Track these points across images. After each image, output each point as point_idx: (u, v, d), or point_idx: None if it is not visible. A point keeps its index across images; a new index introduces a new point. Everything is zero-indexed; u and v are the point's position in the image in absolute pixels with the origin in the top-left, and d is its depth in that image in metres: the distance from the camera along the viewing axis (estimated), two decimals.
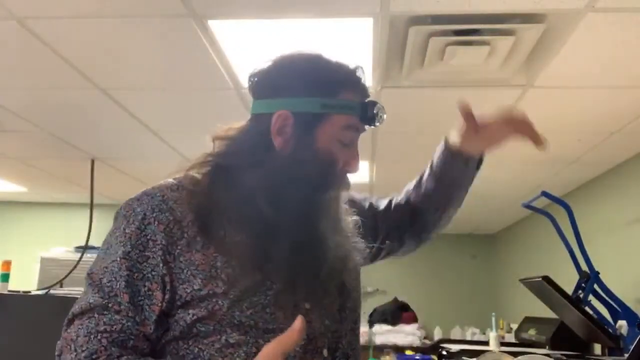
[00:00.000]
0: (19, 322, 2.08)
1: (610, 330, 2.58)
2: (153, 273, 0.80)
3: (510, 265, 6.06)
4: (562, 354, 2.13)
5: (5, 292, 2.31)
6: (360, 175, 4.05)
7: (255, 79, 0.95)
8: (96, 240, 5.82)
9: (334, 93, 0.90)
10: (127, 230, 0.83)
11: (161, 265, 0.80)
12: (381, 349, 4.82)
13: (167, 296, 0.81)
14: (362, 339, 5.54)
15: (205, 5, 1.87)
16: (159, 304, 0.80)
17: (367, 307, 6.26)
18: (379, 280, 6.60)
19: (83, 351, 0.76)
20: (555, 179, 3.96)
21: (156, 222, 0.82)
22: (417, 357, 3.73)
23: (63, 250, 5.23)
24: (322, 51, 0.96)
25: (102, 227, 5.56)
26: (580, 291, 2.74)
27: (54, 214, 5.76)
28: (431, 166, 1.14)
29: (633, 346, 1.98)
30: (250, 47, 2.14)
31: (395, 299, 6.04)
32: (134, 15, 1.94)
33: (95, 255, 0.89)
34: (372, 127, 0.95)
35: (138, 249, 0.81)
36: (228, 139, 0.95)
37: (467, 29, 1.98)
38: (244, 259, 0.82)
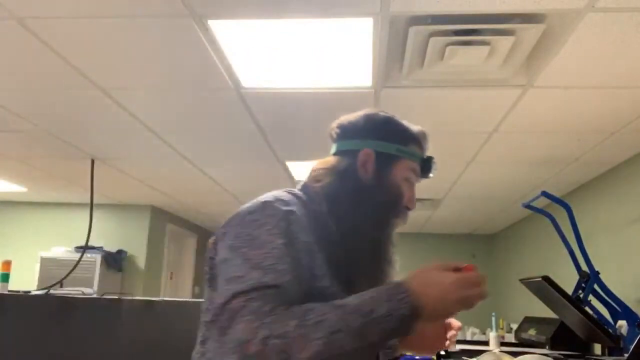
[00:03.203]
0: (19, 322, 2.08)
1: (610, 330, 2.58)
2: (303, 261, 0.99)
3: (510, 265, 6.06)
4: (562, 354, 2.13)
5: (5, 292, 2.31)
6: None
7: (344, 124, 1.19)
8: (96, 240, 5.82)
9: (406, 143, 1.16)
10: (280, 224, 0.99)
11: (306, 256, 1.00)
12: None
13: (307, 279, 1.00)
14: None
15: (205, 5, 1.87)
16: (303, 285, 0.98)
17: None
18: None
19: (266, 317, 0.88)
20: (555, 179, 3.96)
21: (295, 223, 1.01)
22: (417, 357, 3.73)
23: (63, 250, 5.23)
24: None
25: (102, 227, 5.58)
26: (580, 291, 2.74)
27: (54, 214, 5.75)
28: None
29: (633, 346, 1.98)
30: (250, 47, 2.14)
31: None
32: (134, 15, 1.94)
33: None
34: (425, 178, 1.21)
35: (291, 242, 0.99)
36: (324, 168, 1.16)
37: (467, 29, 1.99)
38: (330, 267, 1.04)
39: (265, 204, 1.03)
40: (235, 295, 0.90)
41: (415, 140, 1.19)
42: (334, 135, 1.21)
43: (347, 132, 1.18)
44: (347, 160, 1.15)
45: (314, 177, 1.16)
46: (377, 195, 1.10)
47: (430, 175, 1.21)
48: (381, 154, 1.14)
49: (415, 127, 1.21)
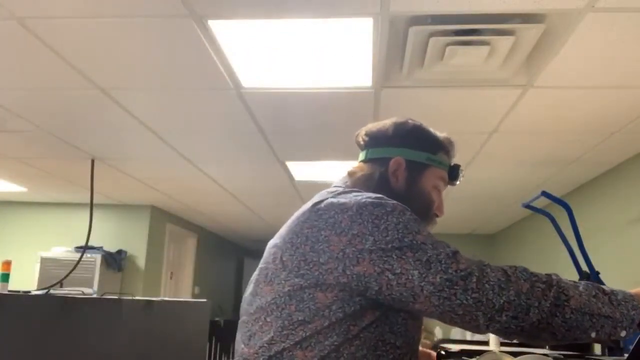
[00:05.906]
0: (19, 322, 2.08)
1: None
2: None
3: None
4: (561, 354, 2.13)
5: (5, 292, 2.31)
6: None
7: (373, 131, 1.21)
8: (96, 240, 5.82)
9: (435, 151, 1.19)
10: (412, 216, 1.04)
11: None
12: None
13: None
14: None
15: (205, 5, 1.87)
16: None
17: None
18: None
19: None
20: (555, 179, 3.96)
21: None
22: None
23: (63, 250, 5.24)
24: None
25: (102, 227, 5.57)
26: None
27: (54, 214, 5.75)
28: None
29: (633, 346, 1.98)
30: (250, 47, 2.14)
31: None
32: (134, 15, 1.94)
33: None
34: (452, 185, 1.25)
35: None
36: (358, 175, 1.18)
37: (467, 29, 1.99)
38: None
39: (382, 200, 1.13)
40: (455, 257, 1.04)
41: (443, 148, 1.21)
42: (362, 143, 1.22)
43: (376, 140, 1.20)
44: (378, 168, 1.17)
45: (351, 185, 1.16)
46: (408, 203, 1.09)
47: (457, 182, 1.24)
48: (411, 162, 1.16)
49: (442, 135, 1.22)
